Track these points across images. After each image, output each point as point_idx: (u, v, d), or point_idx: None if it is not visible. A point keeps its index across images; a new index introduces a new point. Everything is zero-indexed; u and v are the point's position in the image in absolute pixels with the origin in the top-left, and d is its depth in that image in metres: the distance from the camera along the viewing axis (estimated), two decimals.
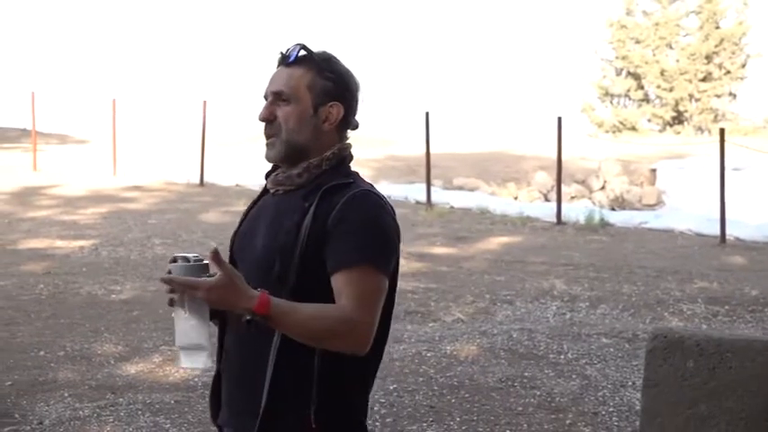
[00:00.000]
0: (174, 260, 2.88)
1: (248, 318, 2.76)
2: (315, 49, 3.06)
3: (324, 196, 2.93)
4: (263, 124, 3.05)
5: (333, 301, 2.86)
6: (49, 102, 29.64)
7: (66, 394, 7.62)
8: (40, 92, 26.15)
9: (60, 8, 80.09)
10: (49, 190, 21.07)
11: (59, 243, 14.66)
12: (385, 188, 22.12)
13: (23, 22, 78.46)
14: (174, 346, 2.92)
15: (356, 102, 3.09)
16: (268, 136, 3.05)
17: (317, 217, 2.91)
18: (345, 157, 3.06)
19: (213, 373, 3.16)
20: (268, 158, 3.08)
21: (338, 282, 2.85)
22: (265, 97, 3.07)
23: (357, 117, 3.11)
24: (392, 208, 3.02)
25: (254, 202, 3.17)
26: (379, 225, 2.92)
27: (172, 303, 2.82)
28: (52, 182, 22.14)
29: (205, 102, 23.42)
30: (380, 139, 35.42)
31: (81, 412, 7.23)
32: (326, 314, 2.82)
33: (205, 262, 2.86)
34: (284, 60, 3.04)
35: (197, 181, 22.93)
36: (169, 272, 2.87)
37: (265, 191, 3.14)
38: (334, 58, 3.08)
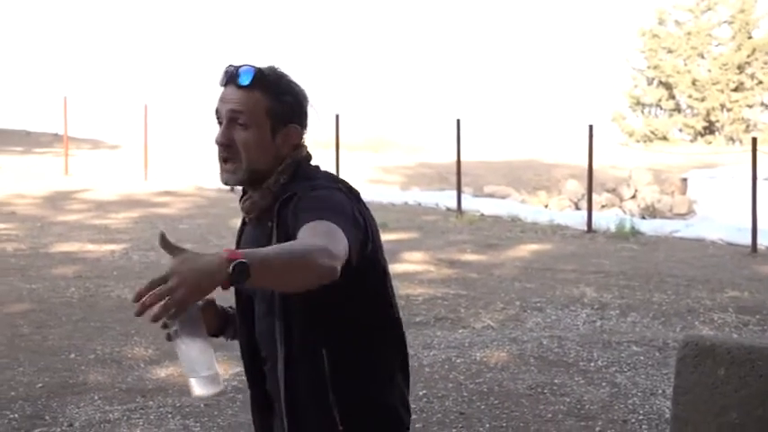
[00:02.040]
0: None
1: (234, 266, 2.35)
2: (263, 65, 2.96)
3: (281, 209, 2.86)
4: (219, 147, 2.95)
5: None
6: (81, 107, 29.82)
7: (96, 397, 7.66)
8: (73, 97, 26.30)
9: (93, 14, 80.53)
10: (80, 194, 21.19)
11: (90, 247, 14.74)
12: (415, 195, 22.12)
13: (56, 27, 78.93)
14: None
15: (307, 115, 3.02)
16: (225, 160, 2.96)
17: (281, 229, 2.84)
18: (300, 161, 2.99)
19: (242, 377, 3.17)
20: (226, 182, 3.02)
21: (297, 235, 2.70)
22: (218, 118, 2.96)
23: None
24: (355, 195, 2.94)
25: (240, 231, 3.13)
26: (333, 202, 2.80)
27: (170, 338, 2.71)
28: (84, 186, 22.26)
29: None
30: (411, 147, 35.47)
31: (111, 415, 7.26)
32: (299, 241, 2.61)
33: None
34: (234, 80, 2.92)
35: (227, 186, 22.97)
36: None
37: (245, 220, 3.09)
38: (285, 74, 2.98)
